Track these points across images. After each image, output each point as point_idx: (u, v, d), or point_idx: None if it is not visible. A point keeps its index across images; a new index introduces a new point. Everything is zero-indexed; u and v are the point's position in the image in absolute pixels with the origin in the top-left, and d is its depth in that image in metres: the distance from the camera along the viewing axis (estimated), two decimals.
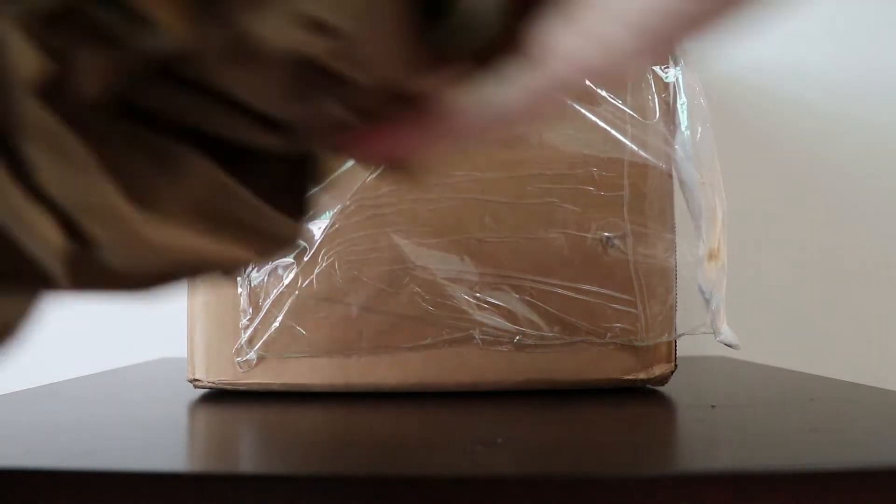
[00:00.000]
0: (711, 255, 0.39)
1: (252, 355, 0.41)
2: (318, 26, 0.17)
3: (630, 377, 0.42)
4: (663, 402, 0.40)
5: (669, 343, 0.42)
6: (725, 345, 0.41)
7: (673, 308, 0.42)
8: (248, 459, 0.29)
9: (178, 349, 0.46)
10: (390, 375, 0.41)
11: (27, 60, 0.15)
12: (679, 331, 0.42)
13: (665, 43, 0.19)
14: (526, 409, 0.37)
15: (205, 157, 0.19)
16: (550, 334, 0.41)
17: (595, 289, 0.41)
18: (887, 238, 0.72)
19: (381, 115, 0.20)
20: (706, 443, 0.31)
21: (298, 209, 0.22)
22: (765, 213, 0.71)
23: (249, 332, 0.41)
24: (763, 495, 0.25)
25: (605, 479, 0.24)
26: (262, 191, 0.20)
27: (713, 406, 0.38)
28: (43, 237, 0.16)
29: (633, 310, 0.41)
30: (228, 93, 0.18)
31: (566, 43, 0.19)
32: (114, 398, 0.44)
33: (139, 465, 0.26)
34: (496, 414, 0.37)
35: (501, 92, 0.20)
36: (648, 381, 0.42)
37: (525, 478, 0.24)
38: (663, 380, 0.43)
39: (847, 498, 0.25)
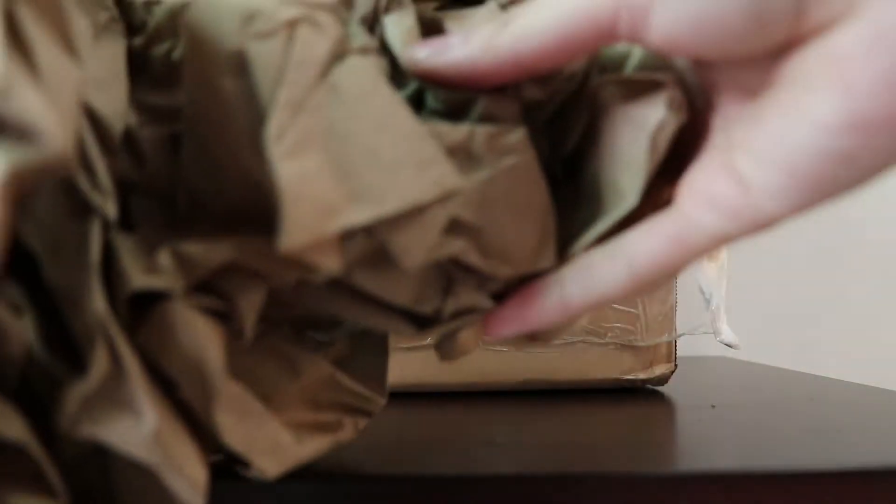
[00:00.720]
0: (711, 255, 0.39)
1: None
2: (456, 225, 0.19)
3: (630, 377, 0.42)
4: (663, 402, 0.40)
5: (669, 343, 0.42)
6: (725, 345, 0.41)
7: (673, 308, 0.42)
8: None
9: None
10: (390, 375, 0.41)
11: (216, 346, 0.18)
12: (679, 331, 0.42)
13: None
14: (526, 409, 0.37)
15: (316, 355, 0.22)
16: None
17: None
18: (887, 238, 0.72)
19: (508, 294, 0.21)
20: (706, 443, 0.31)
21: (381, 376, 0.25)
22: None
23: None
24: (763, 495, 0.25)
25: (605, 479, 0.24)
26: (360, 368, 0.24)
27: (713, 406, 0.38)
28: (188, 477, 0.17)
29: (633, 310, 0.41)
30: (366, 291, 0.19)
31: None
32: None
33: None
34: (496, 414, 0.37)
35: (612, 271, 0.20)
36: (648, 381, 0.42)
37: (525, 478, 0.24)
38: (663, 380, 0.43)
39: (847, 498, 0.25)
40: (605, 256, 0.20)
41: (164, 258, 0.17)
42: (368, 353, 0.24)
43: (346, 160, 0.17)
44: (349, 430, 0.24)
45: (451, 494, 0.24)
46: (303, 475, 0.25)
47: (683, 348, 0.44)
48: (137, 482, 0.17)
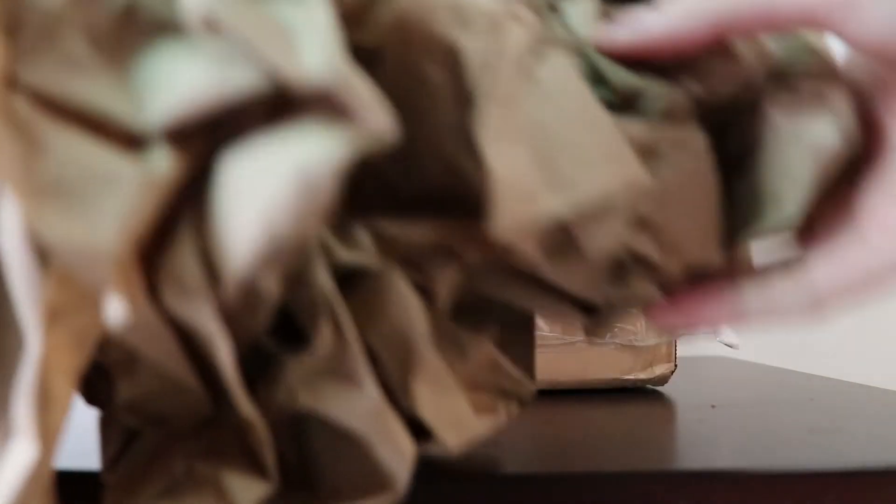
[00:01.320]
0: None
1: None
2: (639, 218, 0.19)
3: (630, 377, 0.42)
4: (663, 402, 0.40)
5: (669, 343, 0.42)
6: (725, 345, 0.41)
7: None
8: None
9: None
10: None
11: (422, 317, 0.18)
12: None
13: None
14: (526, 409, 0.37)
15: (481, 337, 0.23)
16: (550, 334, 0.41)
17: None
18: None
19: (679, 287, 0.22)
20: (706, 443, 0.31)
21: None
22: None
23: None
24: (763, 495, 0.25)
25: (605, 479, 0.24)
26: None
27: (713, 406, 0.38)
28: (400, 449, 0.18)
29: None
30: (545, 278, 0.20)
31: None
32: None
33: None
34: None
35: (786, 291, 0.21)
36: (648, 381, 0.42)
37: (525, 478, 0.24)
38: (663, 380, 0.43)
39: (847, 498, 0.25)
40: (787, 277, 0.21)
41: (362, 236, 0.18)
42: (518, 339, 0.25)
43: (546, 151, 0.18)
44: (502, 414, 0.24)
45: (451, 495, 0.24)
46: None
47: (683, 348, 0.44)
48: (342, 455, 0.18)
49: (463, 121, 0.18)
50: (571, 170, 0.18)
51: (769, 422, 0.34)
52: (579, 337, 0.41)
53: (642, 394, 0.42)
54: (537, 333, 0.40)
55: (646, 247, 0.20)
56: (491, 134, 0.17)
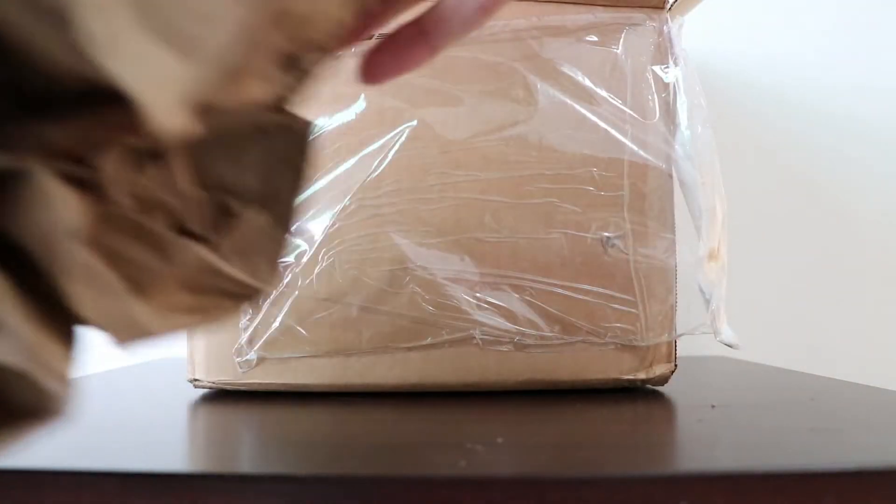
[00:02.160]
0: (711, 256, 0.39)
1: (252, 355, 0.41)
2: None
3: (630, 377, 0.42)
4: (663, 402, 0.40)
5: (669, 343, 0.42)
6: (725, 345, 0.41)
7: (673, 308, 0.42)
8: (247, 459, 0.29)
9: (179, 349, 0.46)
10: (390, 375, 0.41)
11: (69, 209, 0.17)
12: (679, 331, 0.42)
13: None
14: (526, 409, 0.37)
15: (191, 241, 0.22)
16: (550, 334, 0.41)
17: (595, 289, 0.41)
18: (888, 238, 0.72)
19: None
20: (706, 443, 0.31)
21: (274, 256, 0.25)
22: (765, 213, 0.71)
23: (249, 332, 0.41)
24: (763, 495, 0.25)
25: (604, 479, 0.24)
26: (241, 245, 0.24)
27: (713, 406, 0.38)
28: (57, 373, 0.18)
29: (633, 310, 0.41)
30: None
31: None
32: (114, 398, 0.44)
33: (139, 465, 0.26)
34: (496, 414, 0.37)
35: None
36: (648, 381, 0.42)
37: (525, 478, 0.24)
38: (663, 380, 0.43)
39: (847, 498, 0.25)
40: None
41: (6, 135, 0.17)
42: (262, 241, 0.24)
43: (156, 15, 0.16)
44: (231, 310, 0.24)
45: (451, 494, 0.24)
46: (303, 475, 0.25)
47: (683, 348, 0.44)
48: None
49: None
50: (190, 26, 0.16)
51: (769, 422, 0.34)
52: (579, 337, 0.41)
53: (642, 394, 0.42)
54: (537, 333, 0.41)
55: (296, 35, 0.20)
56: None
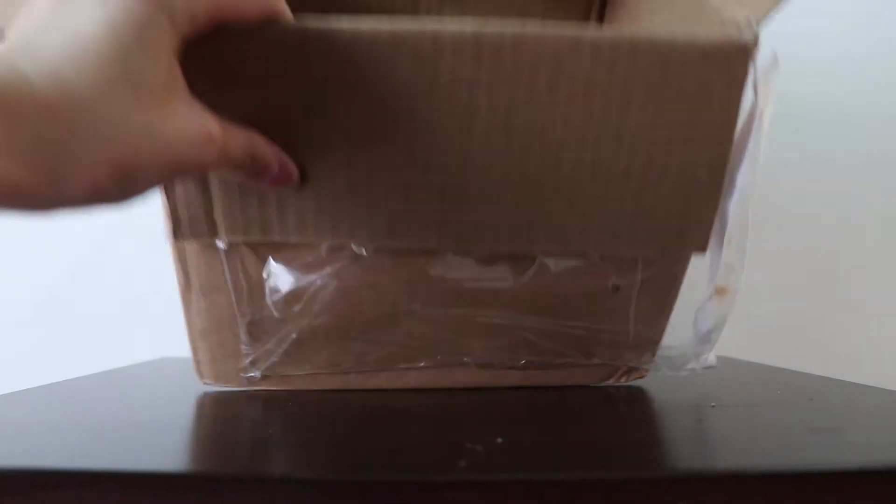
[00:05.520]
0: (719, 291, 0.38)
1: (257, 374, 0.41)
2: None
3: (609, 383, 0.43)
4: (663, 403, 0.40)
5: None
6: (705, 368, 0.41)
7: (662, 331, 0.42)
8: (248, 460, 0.29)
9: (179, 349, 0.46)
10: (388, 384, 0.42)
11: None
12: (663, 358, 0.43)
13: None
14: (526, 410, 0.37)
15: None
16: (539, 360, 0.41)
17: (592, 325, 0.41)
18: (888, 238, 0.72)
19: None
20: (706, 443, 0.31)
21: None
22: (765, 213, 0.71)
23: (251, 357, 0.41)
24: (763, 495, 0.25)
25: (604, 480, 0.24)
26: None
27: (713, 406, 0.38)
28: None
29: (623, 339, 0.42)
30: None
31: None
32: (114, 398, 0.44)
33: (139, 465, 0.26)
34: (496, 414, 0.37)
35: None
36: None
37: (525, 478, 0.24)
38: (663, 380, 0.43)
39: (847, 498, 0.25)
40: None
41: None
42: None
43: None
44: None
45: (451, 495, 0.24)
46: (303, 477, 0.25)
47: None
48: None
49: None
50: None
51: (769, 422, 0.34)
52: (569, 359, 0.42)
53: (642, 394, 0.42)
54: (528, 359, 0.41)
55: None
56: None
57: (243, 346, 0.40)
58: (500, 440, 0.29)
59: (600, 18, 0.53)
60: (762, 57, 0.32)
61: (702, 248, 0.36)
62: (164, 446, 0.30)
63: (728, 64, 0.31)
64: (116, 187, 0.23)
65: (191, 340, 0.41)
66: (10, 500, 0.24)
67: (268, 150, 0.30)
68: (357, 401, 0.40)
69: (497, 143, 0.32)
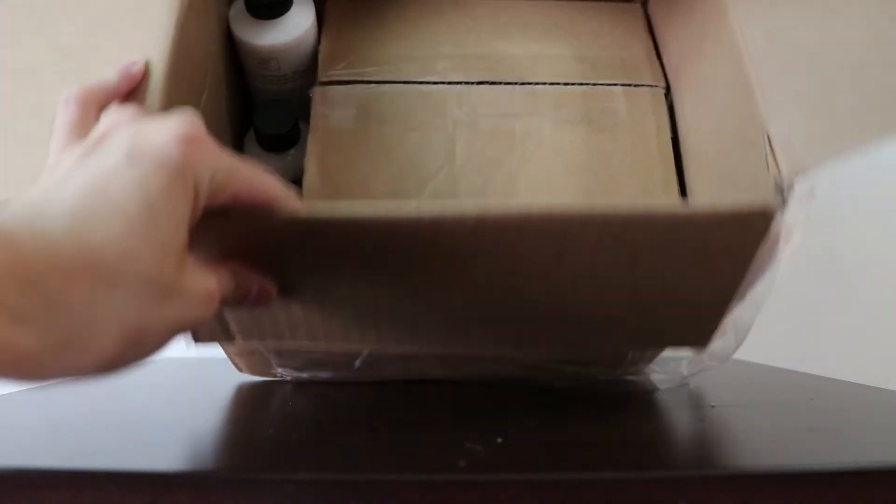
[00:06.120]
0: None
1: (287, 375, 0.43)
2: None
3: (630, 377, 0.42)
4: (663, 403, 0.40)
5: None
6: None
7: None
8: (248, 460, 0.29)
9: (180, 349, 0.46)
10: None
11: None
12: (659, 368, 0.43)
13: None
14: (526, 409, 0.37)
15: None
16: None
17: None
18: (888, 238, 0.72)
19: None
20: (706, 443, 0.31)
21: None
22: None
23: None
24: (763, 495, 0.25)
25: (605, 479, 0.24)
26: None
27: (713, 406, 0.38)
28: None
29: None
30: None
31: None
32: (115, 398, 0.44)
33: (139, 465, 0.26)
34: (496, 414, 0.37)
35: None
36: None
37: (525, 478, 0.24)
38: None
39: (847, 498, 0.25)
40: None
41: None
42: None
43: None
44: None
45: (451, 495, 0.24)
46: (303, 477, 0.25)
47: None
48: None
49: None
50: None
51: (769, 422, 0.34)
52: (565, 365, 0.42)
53: (642, 394, 0.42)
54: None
55: None
56: None
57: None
58: (500, 440, 0.29)
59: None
60: (799, 189, 0.31)
61: (702, 346, 0.37)
62: (164, 446, 0.30)
63: (749, 225, 0.30)
64: (121, 356, 0.21)
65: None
66: (10, 500, 0.24)
67: (248, 278, 0.29)
68: (357, 401, 0.40)
69: (499, 293, 0.33)
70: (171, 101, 0.32)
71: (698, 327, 0.36)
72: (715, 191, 0.39)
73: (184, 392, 0.43)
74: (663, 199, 0.42)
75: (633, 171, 0.42)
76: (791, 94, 0.33)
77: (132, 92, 0.31)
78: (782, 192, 0.30)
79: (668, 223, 0.30)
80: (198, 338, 0.37)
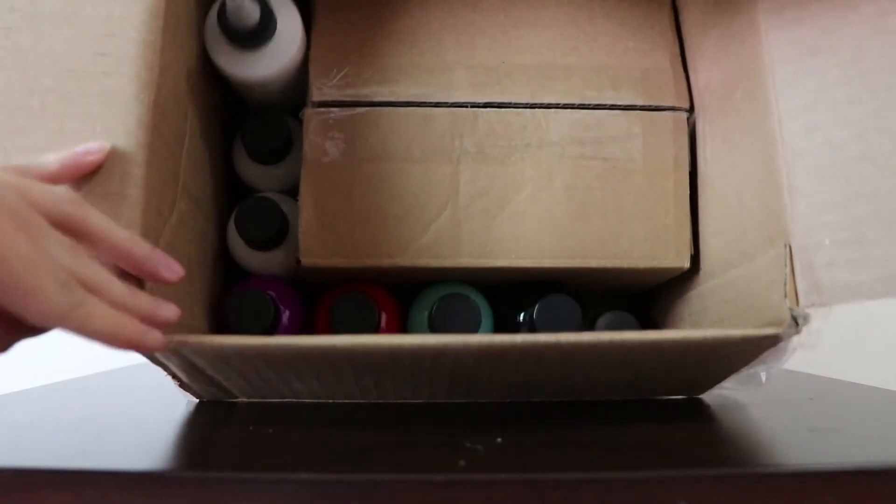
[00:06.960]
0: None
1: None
2: None
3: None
4: (664, 402, 0.40)
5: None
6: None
7: None
8: (247, 460, 0.29)
9: None
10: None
11: None
12: None
13: None
14: (526, 409, 0.37)
15: None
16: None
17: None
18: None
19: None
20: (707, 443, 0.31)
21: None
22: None
23: None
24: (763, 495, 0.25)
25: (604, 480, 0.24)
26: None
27: (713, 406, 0.38)
28: None
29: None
30: None
31: None
32: (113, 398, 0.44)
33: (138, 465, 0.26)
34: (496, 414, 0.37)
35: None
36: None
37: (525, 478, 0.24)
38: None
39: (847, 498, 0.25)
40: None
41: None
42: None
43: None
44: None
45: (451, 495, 0.24)
46: (302, 477, 0.25)
47: None
48: None
49: None
50: None
51: (769, 422, 0.34)
52: None
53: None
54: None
55: None
56: None
57: None
58: (500, 440, 0.29)
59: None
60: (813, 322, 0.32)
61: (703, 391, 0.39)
62: (163, 446, 0.30)
63: (759, 346, 0.31)
64: None
65: None
66: (10, 500, 0.24)
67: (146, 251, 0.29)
68: (356, 402, 0.40)
69: (501, 389, 0.34)
70: (153, 153, 0.31)
71: (694, 390, 0.39)
72: (726, 247, 0.38)
73: (183, 393, 0.43)
74: (674, 245, 0.41)
75: (646, 212, 0.40)
76: (820, 206, 0.31)
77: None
78: (797, 323, 0.31)
79: (676, 348, 0.30)
80: (199, 396, 0.38)
